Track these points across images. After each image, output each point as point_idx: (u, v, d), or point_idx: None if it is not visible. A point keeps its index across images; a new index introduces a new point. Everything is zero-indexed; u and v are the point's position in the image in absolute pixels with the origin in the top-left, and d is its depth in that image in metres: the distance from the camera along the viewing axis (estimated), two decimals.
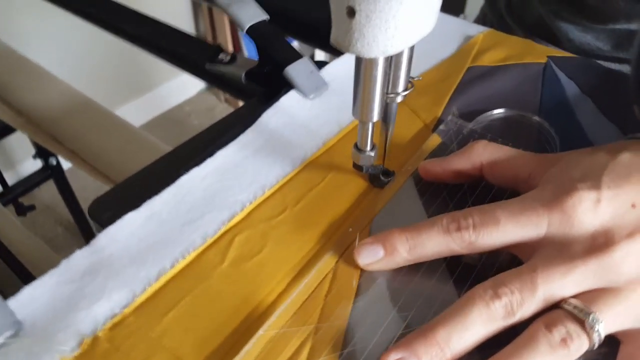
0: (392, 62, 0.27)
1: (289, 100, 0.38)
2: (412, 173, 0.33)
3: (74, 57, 1.54)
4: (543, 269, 0.24)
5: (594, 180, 0.25)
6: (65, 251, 0.28)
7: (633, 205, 0.24)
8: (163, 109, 1.85)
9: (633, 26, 0.46)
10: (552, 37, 0.52)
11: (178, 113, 1.84)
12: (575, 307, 0.23)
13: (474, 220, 0.25)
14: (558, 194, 0.25)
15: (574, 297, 0.23)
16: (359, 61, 0.25)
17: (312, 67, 0.39)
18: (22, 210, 1.34)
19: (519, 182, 0.29)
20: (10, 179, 1.57)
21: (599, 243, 0.24)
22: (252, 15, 0.40)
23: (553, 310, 0.23)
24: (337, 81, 0.40)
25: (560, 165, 0.27)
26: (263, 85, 0.42)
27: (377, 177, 0.32)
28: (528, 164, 0.29)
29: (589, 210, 0.24)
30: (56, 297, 0.26)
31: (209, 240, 0.29)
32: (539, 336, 0.22)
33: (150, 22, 0.60)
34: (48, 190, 1.53)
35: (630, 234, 0.24)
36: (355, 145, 0.31)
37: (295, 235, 0.29)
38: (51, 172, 1.32)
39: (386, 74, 0.26)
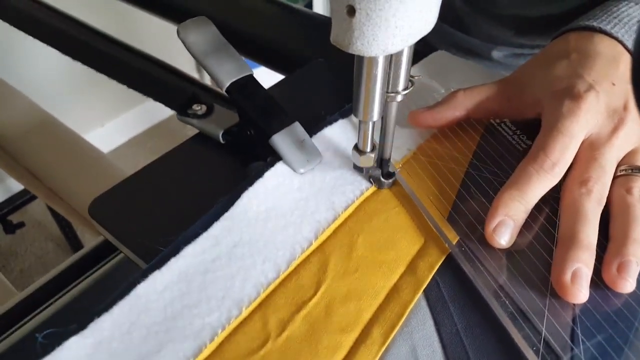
0: (392, 61, 0.27)
1: (274, 178, 0.32)
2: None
3: (71, 65, 1.48)
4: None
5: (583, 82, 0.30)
6: None
7: (613, 84, 0.30)
8: (158, 119, 1.79)
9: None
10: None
11: (173, 123, 1.77)
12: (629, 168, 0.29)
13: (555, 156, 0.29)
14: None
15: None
16: (359, 60, 0.25)
17: (304, 134, 0.33)
18: (10, 229, 1.29)
19: (499, 110, 0.35)
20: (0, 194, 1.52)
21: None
22: (234, 70, 0.34)
23: (617, 178, 0.29)
24: (331, 150, 0.34)
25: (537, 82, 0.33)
26: (244, 147, 0.36)
27: (378, 179, 0.31)
28: (501, 93, 0.34)
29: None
30: None
31: None
32: (630, 202, 0.28)
33: (127, 55, 0.54)
34: (38, 205, 1.47)
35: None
36: (356, 147, 0.30)
37: None
38: None
39: (386, 73, 0.26)
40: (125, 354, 0.24)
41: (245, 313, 0.25)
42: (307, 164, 0.32)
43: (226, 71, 0.33)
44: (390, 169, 0.32)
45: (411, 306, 0.25)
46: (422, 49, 0.43)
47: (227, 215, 0.30)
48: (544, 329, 0.24)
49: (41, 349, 0.25)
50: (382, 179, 0.31)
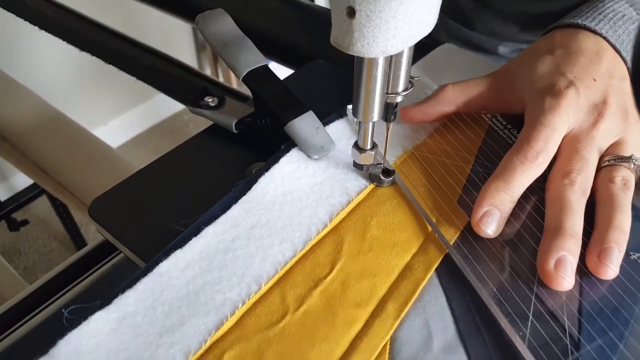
0: (392, 62, 0.27)
1: (290, 163, 0.33)
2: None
3: (74, 63, 1.49)
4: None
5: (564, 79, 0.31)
6: None
7: (594, 80, 0.31)
8: (161, 117, 1.81)
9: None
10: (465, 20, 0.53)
11: (176, 122, 1.78)
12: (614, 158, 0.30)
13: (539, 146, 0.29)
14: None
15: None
16: (359, 61, 0.25)
17: (318, 122, 0.34)
18: (14, 226, 1.30)
19: (488, 104, 0.35)
20: (3, 191, 1.53)
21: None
22: (250, 60, 0.35)
23: (601, 169, 0.30)
24: (344, 139, 0.35)
25: (525, 81, 0.33)
26: (257, 137, 0.37)
27: (378, 177, 0.32)
28: (490, 88, 0.35)
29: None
30: None
31: (192, 358, 0.24)
32: (612, 191, 0.28)
33: (134, 50, 0.55)
34: (42, 203, 1.48)
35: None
36: (356, 144, 0.31)
37: (298, 356, 0.24)
38: None
39: (386, 74, 0.26)
40: (149, 327, 0.25)
41: (264, 289, 0.26)
42: (321, 151, 0.33)
43: (243, 61, 0.35)
44: (389, 167, 0.32)
45: (424, 283, 0.26)
46: (428, 43, 0.44)
47: (245, 198, 0.31)
48: (530, 315, 0.25)
49: (67, 324, 0.26)
50: (382, 177, 0.32)
